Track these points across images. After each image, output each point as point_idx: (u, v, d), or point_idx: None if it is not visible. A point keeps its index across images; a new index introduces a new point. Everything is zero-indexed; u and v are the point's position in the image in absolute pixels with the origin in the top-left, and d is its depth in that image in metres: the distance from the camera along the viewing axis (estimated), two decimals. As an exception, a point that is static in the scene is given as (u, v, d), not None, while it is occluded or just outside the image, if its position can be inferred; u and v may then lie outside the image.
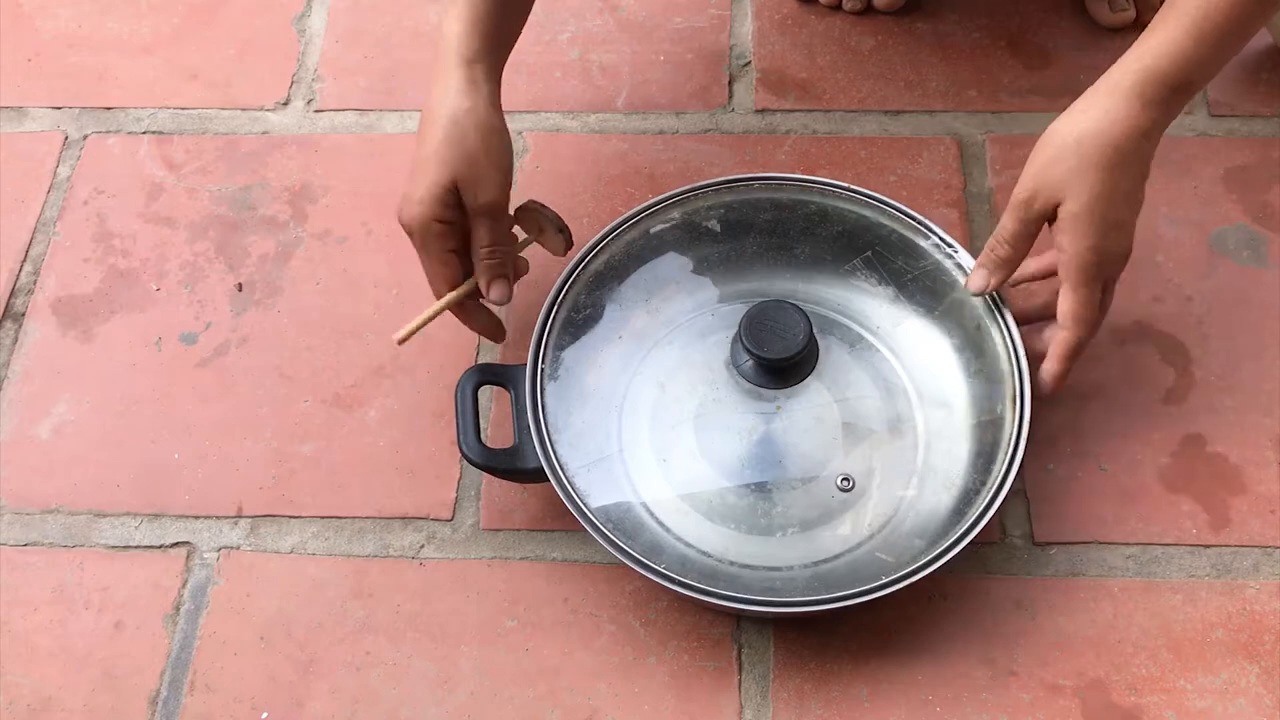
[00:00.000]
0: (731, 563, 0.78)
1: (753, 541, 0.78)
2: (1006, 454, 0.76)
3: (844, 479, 0.79)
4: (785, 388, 0.81)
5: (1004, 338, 0.81)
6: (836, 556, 0.78)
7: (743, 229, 0.87)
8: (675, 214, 0.86)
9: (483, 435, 0.79)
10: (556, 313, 0.82)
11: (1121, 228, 0.76)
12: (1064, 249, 0.76)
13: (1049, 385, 0.78)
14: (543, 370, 0.80)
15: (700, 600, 0.73)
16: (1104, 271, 0.76)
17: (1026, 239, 0.78)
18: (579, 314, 0.84)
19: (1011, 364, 0.79)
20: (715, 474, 0.80)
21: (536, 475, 0.77)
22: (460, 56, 0.79)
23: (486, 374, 0.81)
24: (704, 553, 0.78)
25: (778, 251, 0.87)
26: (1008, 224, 0.78)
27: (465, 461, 0.79)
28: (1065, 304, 0.77)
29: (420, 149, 0.78)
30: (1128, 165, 0.74)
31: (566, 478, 0.76)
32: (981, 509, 0.74)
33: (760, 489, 0.80)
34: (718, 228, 0.87)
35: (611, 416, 0.82)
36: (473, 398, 0.80)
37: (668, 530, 0.79)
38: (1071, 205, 0.74)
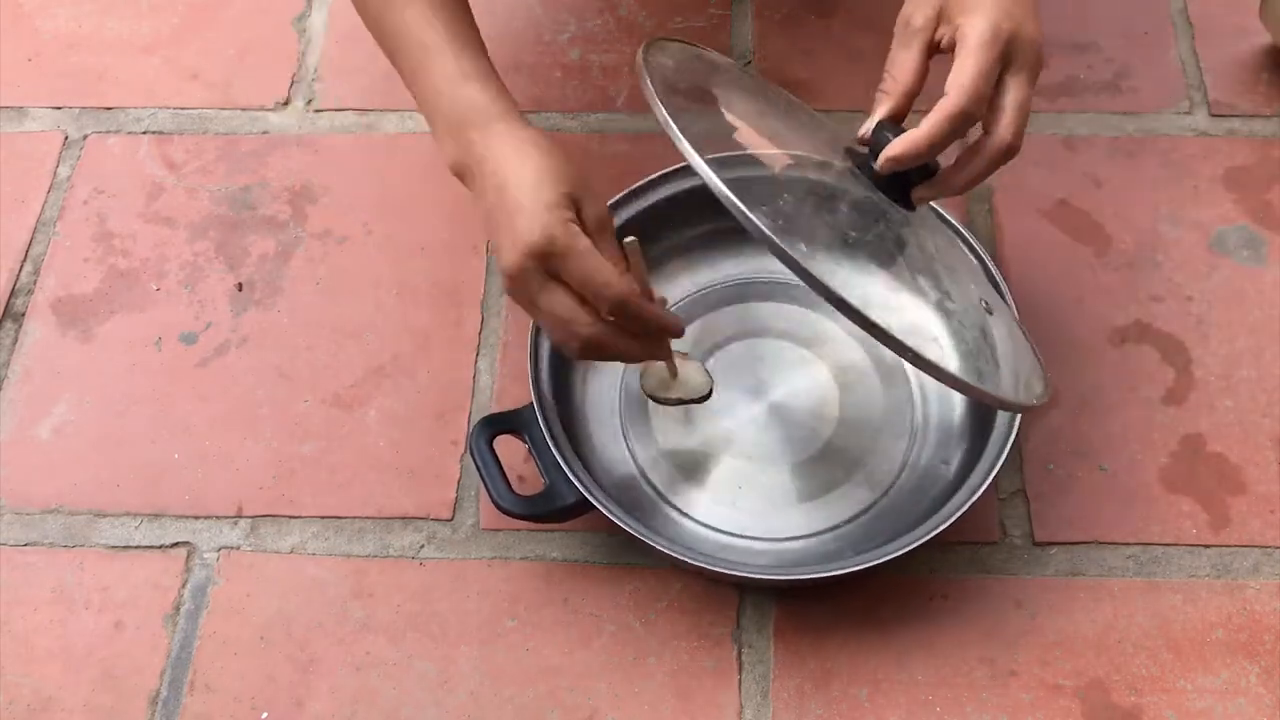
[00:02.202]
0: (738, 535, 0.80)
1: (758, 515, 0.81)
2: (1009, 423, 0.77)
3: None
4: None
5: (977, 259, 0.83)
6: (841, 525, 0.81)
7: (697, 213, 0.86)
8: (630, 211, 0.87)
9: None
10: (539, 340, 0.81)
11: (1028, 13, 0.69)
12: (966, 31, 0.68)
13: (912, 149, 0.70)
14: (546, 405, 0.79)
15: (723, 575, 0.76)
16: (1008, 49, 0.69)
17: (914, 63, 0.72)
18: None
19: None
20: (720, 451, 0.83)
21: (578, 509, 0.76)
22: (497, 114, 0.72)
23: (497, 424, 0.80)
24: (714, 528, 0.81)
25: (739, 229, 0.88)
26: (892, 52, 0.72)
27: (505, 515, 0.78)
28: (954, 73, 0.69)
29: (511, 190, 0.68)
30: None
31: (605, 502, 0.75)
32: (982, 478, 0.76)
33: (767, 460, 0.82)
34: (677, 216, 0.88)
35: (615, 415, 0.84)
36: (490, 451, 0.78)
37: (676, 508, 0.81)
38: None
